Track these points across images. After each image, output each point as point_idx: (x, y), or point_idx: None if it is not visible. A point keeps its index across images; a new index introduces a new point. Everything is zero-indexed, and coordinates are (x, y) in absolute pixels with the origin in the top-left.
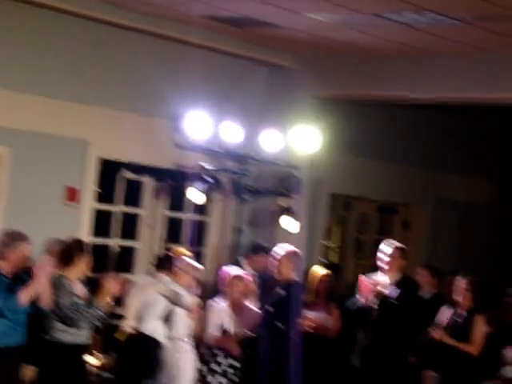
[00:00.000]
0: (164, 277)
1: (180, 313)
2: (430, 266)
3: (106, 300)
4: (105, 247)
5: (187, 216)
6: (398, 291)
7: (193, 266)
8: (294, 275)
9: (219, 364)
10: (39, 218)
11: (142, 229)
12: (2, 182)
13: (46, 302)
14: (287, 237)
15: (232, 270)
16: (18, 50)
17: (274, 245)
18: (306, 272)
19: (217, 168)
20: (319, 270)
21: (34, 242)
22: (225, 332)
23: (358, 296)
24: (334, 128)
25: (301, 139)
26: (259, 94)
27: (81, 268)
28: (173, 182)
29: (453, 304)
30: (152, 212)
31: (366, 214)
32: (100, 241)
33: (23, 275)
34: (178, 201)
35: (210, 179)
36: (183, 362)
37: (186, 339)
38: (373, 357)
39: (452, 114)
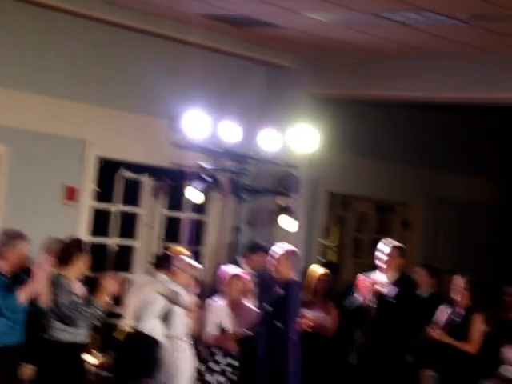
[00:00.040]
0: (162, 276)
1: (178, 312)
2: (427, 265)
3: (104, 299)
4: (103, 246)
5: (186, 215)
6: (396, 290)
7: (191, 265)
8: (292, 274)
9: (218, 363)
10: (38, 217)
11: (140, 228)
12: (1, 181)
13: (44, 301)
14: (285, 236)
15: (230, 269)
16: (18, 49)
17: (273, 244)
18: (305, 271)
19: (215, 167)
20: (317, 269)
21: (32, 241)
22: (223, 331)
23: (356, 295)
24: (332, 127)
25: (299, 138)
26: (258, 94)
27: (79, 267)
28: (171, 181)
29: (451, 303)
30: (150, 211)
31: (364, 213)
32: (99, 240)
33: (22, 274)
34: (176, 200)
35: (208, 178)
36: (182, 361)
37: (184, 338)
38: (371, 356)
39: (451, 113)
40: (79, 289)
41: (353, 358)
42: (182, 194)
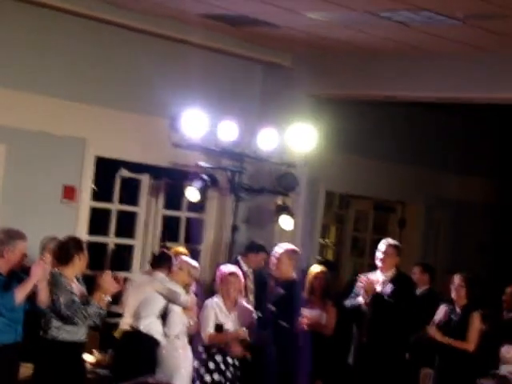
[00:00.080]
0: (161, 275)
1: (177, 310)
2: (421, 263)
3: (102, 298)
4: (102, 245)
5: (184, 214)
6: (392, 288)
7: (189, 264)
8: (293, 273)
9: (216, 362)
10: (37, 217)
11: (139, 227)
12: (1, 181)
13: (43, 299)
14: (284, 235)
15: (228, 268)
16: (17, 48)
17: (271, 243)
18: (306, 270)
19: (214, 166)
20: (314, 268)
21: (31, 240)
22: (220, 328)
23: (355, 294)
24: (330, 126)
25: (298, 137)
26: (257, 93)
27: (78, 266)
28: (170, 180)
29: (449, 302)
30: (149, 210)
31: (362, 212)
32: (97, 239)
33: (19, 273)
34: (175, 199)
35: (206, 177)
36: (180, 360)
37: (182, 337)
38: (368, 354)
39: (449, 113)
40: (78, 288)
41: (351, 357)
42: (180, 193)
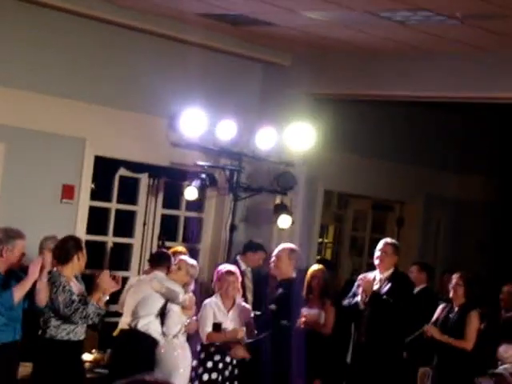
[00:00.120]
0: (159, 274)
1: (175, 310)
2: (419, 262)
3: (101, 298)
4: (101, 244)
5: (183, 213)
6: (390, 287)
7: (188, 263)
8: (293, 272)
9: (214, 361)
10: (36, 216)
11: (137, 226)
12: (0, 180)
13: (42, 299)
14: (282, 234)
15: (225, 267)
16: (16, 47)
17: (270, 242)
18: (305, 270)
19: (212, 165)
20: (313, 267)
21: (30, 239)
22: (218, 327)
23: (354, 293)
24: (329, 125)
25: (296, 137)
26: (256, 93)
27: (77, 265)
28: (169, 179)
29: (448, 301)
30: (148, 209)
31: (361, 211)
32: (96, 238)
33: (18, 272)
34: (173, 198)
35: (205, 177)
36: (178, 359)
37: (180, 336)
38: (366, 353)
39: (448, 112)
40: (77, 287)
41: (349, 356)
42: (179, 192)
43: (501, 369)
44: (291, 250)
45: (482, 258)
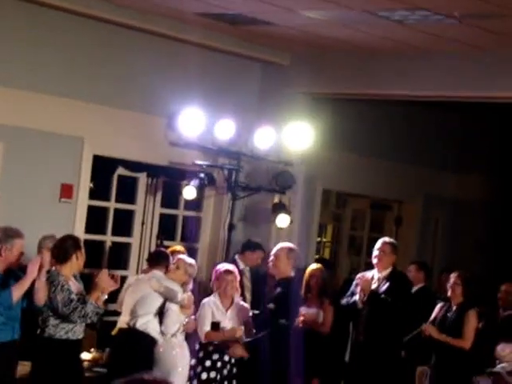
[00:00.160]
0: (158, 273)
1: (174, 309)
2: (417, 261)
3: (99, 297)
4: (99, 243)
5: (181, 212)
6: (388, 286)
7: (186, 262)
8: (291, 271)
9: (212, 360)
10: (35, 215)
11: (136, 225)
12: None
13: (41, 298)
14: (281, 233)
15: (223, 266)
16: (14, 46)
17: (268, 241)
18: (304, 269)
19: (211, 165)
20: (311, 266)
21: (29, 238)
22: (217, 326)
23: (352, 292)
24: (328, 125)
25: (294, 136)
26: (254, 92)
27: (76, 264)
28: (167, 178)
29: (446, 300)
30: (146, 208)
31: (359, 210)
32: (94, 237)
33: (17, 271)
34: (172, 197)
35: (203, 176)
36: (177, 358)
37: (179, 335)
38: (365, 352)
39: (447, 111)
40: (75, 286)
41: (348, 355)
42: (177, 191)
43: (498, 367)
44: (290, 249)
45: (480, 257)
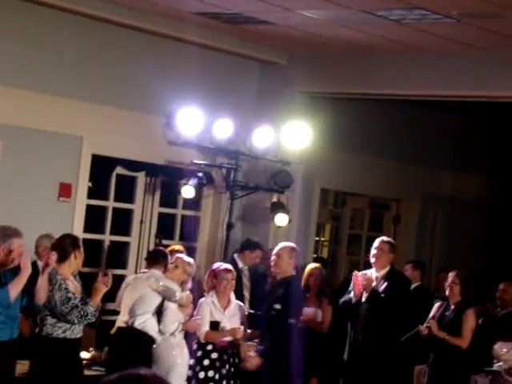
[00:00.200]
0: (157, 272)
1: (172, 308)
2: (413, 260)
3: (98, 300)
4: (97, 242)
5: (180, 212)
6: (386, 285)
7: (185, 261)
8: (292, 270)
9: (211, 359)
10: (33, 214)
11: (134, 224)
12: None
13: (42, 297)
14: (279, 232)
15: (222, 265)
16: (13, 46)
17: (267, 240)
18: (303, 268)
19: (209, 164)
20: (310, 265)
21: (27, 237)
22: (216, 325)
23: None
24: (326, 124)
25: (293, 135)
26: (252, 91)
27: (74, 263)
28: (165, 178)
29: (444, 299)
30: (145, 208)
31: (357, 209)
32: (93, 236)
33: (14, 269)
34: (170, 197)
35: (202, 175)
36: (176, 358)
37: (178, 334)
38: (363, 351)
39: (445, 110)
40: (74, 285)
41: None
42: (176, 190)
43: (496, 366)
44: (292, 249)
45: (479, 256)
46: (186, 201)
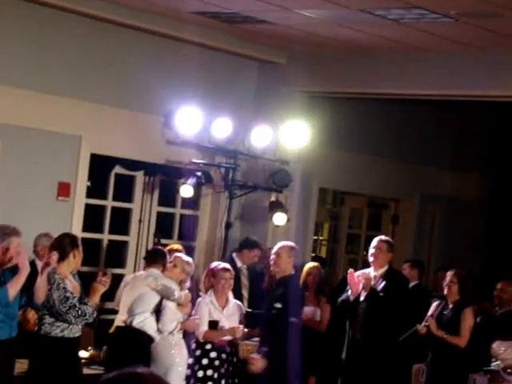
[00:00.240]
0: (155, 271)
1: (171, 307)
2: (411, 259)
3: (96, 300)
4: (96, 242)
5: (178, 211)
6: (385, 284)
7: (184, 261)
8: (292, 269)
9: (209, 358)
10: (32, 213)
11: (133, 224)
12: None
13: (41, 296)
14: (278, 231)
15: (220, 264)
16: (12, 45)
17: (265, 239)
18: (301, 267)
19: (207, 163)
20: (308, 264)
21: (26, 236)
22: (215, 324)
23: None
24: (324, 123)
25: (291, 134)
26: (251, 90)
27: (73, 262)
28: (164, 177)
29: (442, 298)
30: (143, 207)
31: (356, 209)
32: (91, 235)
33: (13, 268)
34: (169, 196)
35: (200, 174)
36: (174, 357)
37: (176, 333)
38: (361, 350)
39: (444, 109)
40: (72, 284)
41: (344, 353)
42: (174, 189)
43: (494, 365)
44: (291, 248)
45: (477, 255)
46: (184, 200)
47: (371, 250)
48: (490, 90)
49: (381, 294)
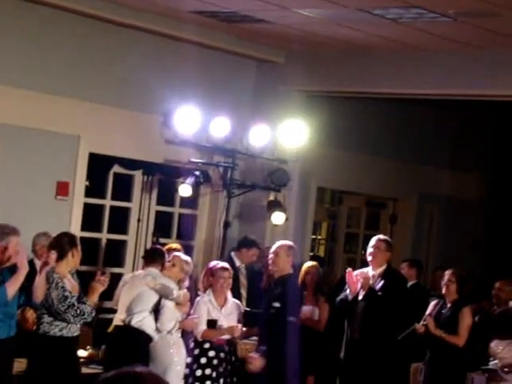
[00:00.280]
0: (154, 270)
1: (169, 306)
2: (409, 258)
3: (94, 299)
4: (95, 241)
5: (177, 210)
6: (383, 284)
7: (182, 260)
8: (290, 269)
9: (208, 357)
10: (30, 212)
11: (131, 223)
12: None
13: (39, 295)
14: (276, 231)
15: (219, 263)
16: (12, 45)
17: (263, 238)
18: (300, 266)
19: (206, 162)
20: (306, 264)
21: (25, 236)
22: (214, 323)
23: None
24: (323, 122)
25: (289, 134)
26: (248, 89)
27: (72, 262)
28: (163, 176)
29: (441, 298)
30: (142, 206)
31: (354, 208)
32: (90, 235)
33: (12, 268)
34: (167, 195)
35: (199, 174)
36: (173, 356)
37: (175, 332)
38: (360, 349)
39: (442, 109)
40: (71, 283)
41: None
42: (173, 188)
43: (493, 364)
44: (289, 247)
45: (475, 254)
46: (183, 199)
47: (369, 250)
48: (489, 89)
49: (379, 293)
